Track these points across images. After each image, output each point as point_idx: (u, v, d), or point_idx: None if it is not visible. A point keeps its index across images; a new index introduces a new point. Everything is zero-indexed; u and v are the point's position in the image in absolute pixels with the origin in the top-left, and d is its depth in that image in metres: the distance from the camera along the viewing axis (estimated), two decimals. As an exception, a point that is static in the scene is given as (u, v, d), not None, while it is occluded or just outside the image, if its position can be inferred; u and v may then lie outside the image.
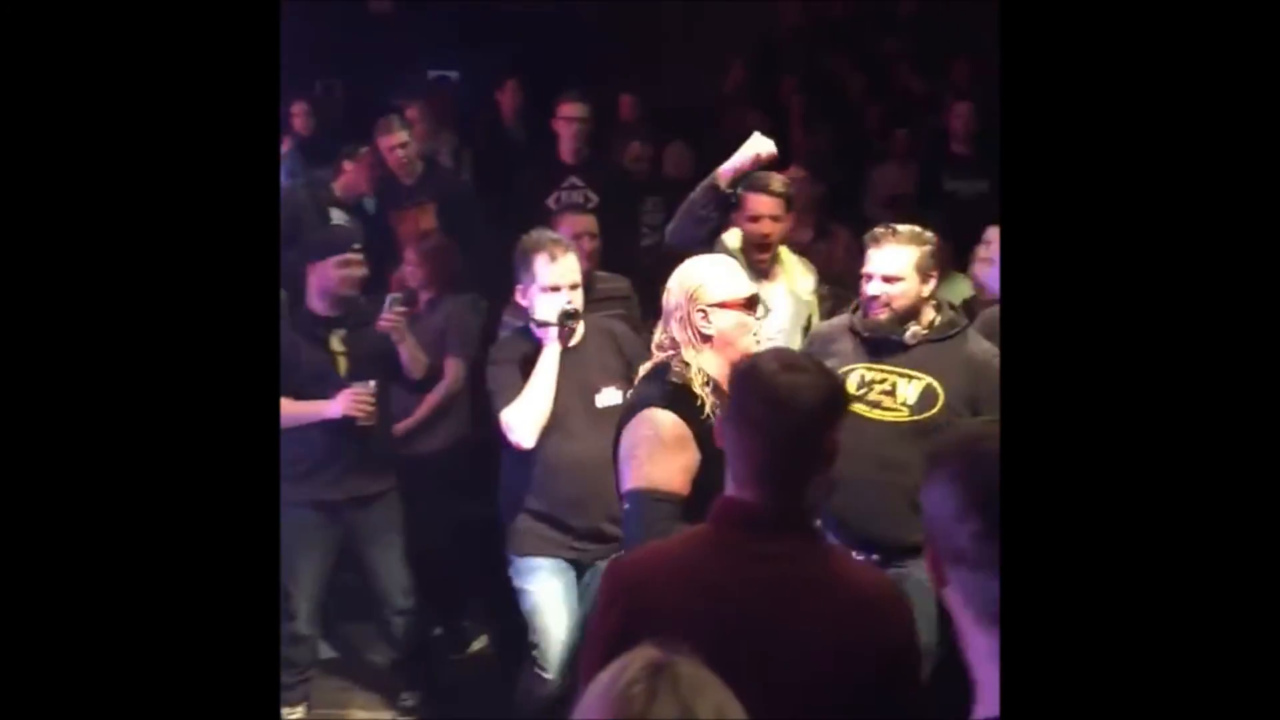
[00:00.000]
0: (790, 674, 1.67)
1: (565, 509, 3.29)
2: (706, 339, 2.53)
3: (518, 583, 3.38)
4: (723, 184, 3.42)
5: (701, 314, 2.53)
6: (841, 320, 3.27)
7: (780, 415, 1.75)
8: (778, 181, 3.78)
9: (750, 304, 2.59)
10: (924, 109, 6.21)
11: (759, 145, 3.44)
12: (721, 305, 2.54)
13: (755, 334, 2.59)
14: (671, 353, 2.56)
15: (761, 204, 3.72)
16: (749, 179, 3.66)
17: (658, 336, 2.63)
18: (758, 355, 2.05)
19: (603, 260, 4.13)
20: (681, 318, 2.55)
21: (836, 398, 1.82)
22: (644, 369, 2.66)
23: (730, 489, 1.81)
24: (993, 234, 3.90)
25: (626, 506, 2.38)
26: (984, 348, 3.06)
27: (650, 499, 2.30)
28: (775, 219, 3.72)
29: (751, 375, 1.82)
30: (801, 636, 1.69)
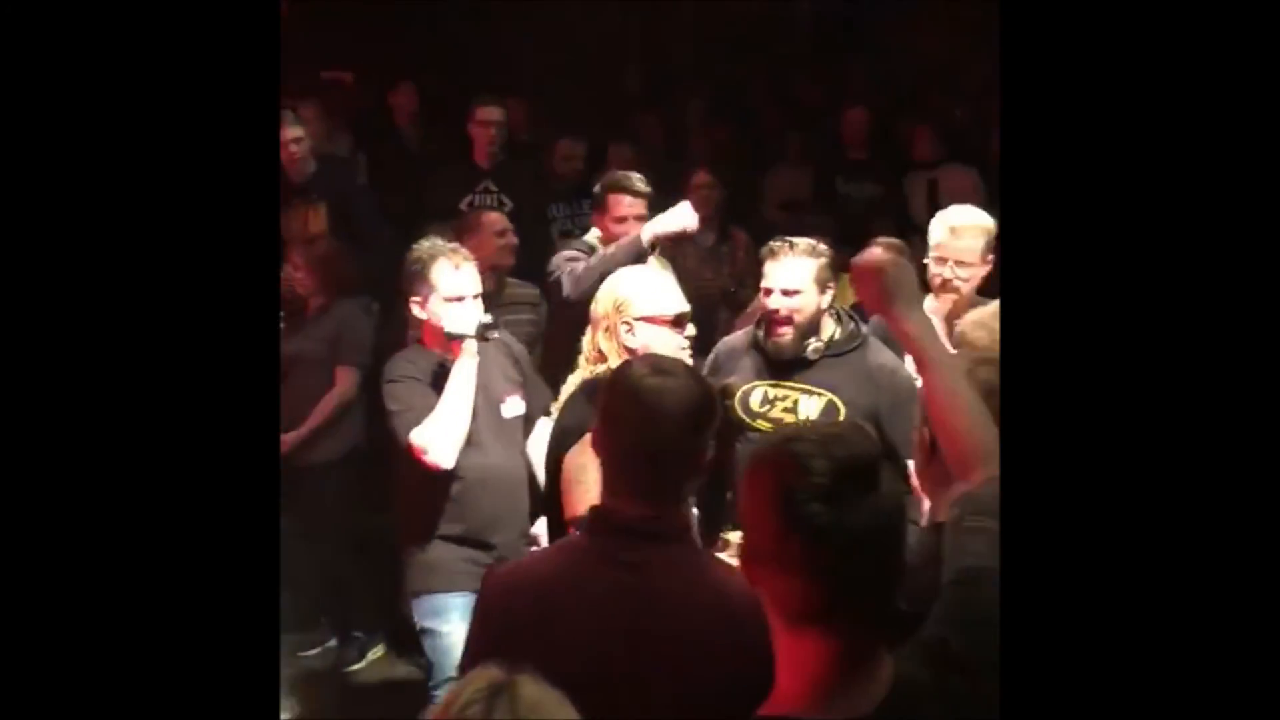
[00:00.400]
0: (654, 682, 1.64)
1: (484, 527, 3.09)
2: (631, 352, 2.50)
3: (427, 623, 3.11)
4: (645, 246, 3.40)
5: (627, 327, 2.53)
6: (743, 336, 3.26)
7: (646, 420, 1.70)
8: (639, 181, 3.75)
9: (678, 321, 2.57)
10: (819, 114, 6.27)
11: (686, 218, 3.43)
12: (648, 320, 2.54)
13: (684, 349, 2.57)
14: (600, 366, 2.53)
15: (623, 205, 3.69)
16: (611, 179, 3.64)
17: (585, 347, 2.61)
18: (628, 360, 2.02)
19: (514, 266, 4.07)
20: (608, 328, 2.55)
21: (704, 404, 1.77)
22: (571, 384, 2.60)
23: (603, 497, 1.78)
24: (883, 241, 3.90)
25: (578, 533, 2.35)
26: (886, 359, 3.07)
27: None
28: (639, 219, 3.67)
29: (620, 380, 1.79)
30: (664, 645, 1.66)
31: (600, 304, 2.59)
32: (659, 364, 1.81)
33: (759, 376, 3.09)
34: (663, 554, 1.72)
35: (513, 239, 4.04)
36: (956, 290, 3.23)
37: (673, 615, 1.68)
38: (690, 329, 2.64)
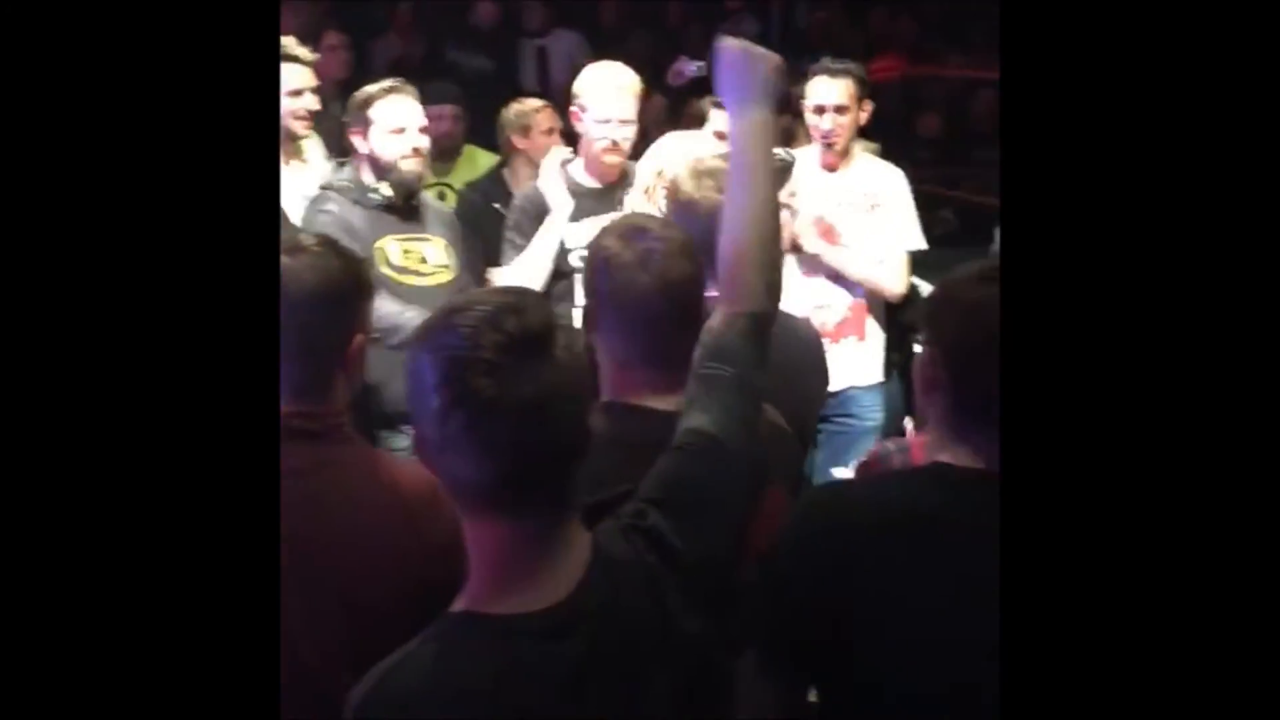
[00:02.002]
0: (346, 592, 1.53)
1: None
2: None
3: None
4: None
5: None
6: None
7: (288, 302, 1.49)
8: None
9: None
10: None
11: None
12: None
13: None
14: None
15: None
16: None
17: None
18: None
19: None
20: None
21: (334, 282, 1.60)
22: None
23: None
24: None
25: None
26: None
27: None
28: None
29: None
30: (342, 553, 1.54)
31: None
32: (297, 242, 1.64)
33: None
34: (322, 455, 1.58)
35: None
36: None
37: (345, 520, 1.55)
38: None
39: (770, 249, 1.42)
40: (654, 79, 5.43)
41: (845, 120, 3.33)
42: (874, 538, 1.36)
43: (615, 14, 6.63)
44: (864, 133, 3.54)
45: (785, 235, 2.99)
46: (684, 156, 2.39)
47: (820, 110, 3.33)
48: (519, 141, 3.80)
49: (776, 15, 5.55)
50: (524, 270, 2.95)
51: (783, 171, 3.00)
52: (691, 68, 5.16)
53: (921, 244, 3.41)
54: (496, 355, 1.11)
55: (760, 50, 1.49)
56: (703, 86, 3.97)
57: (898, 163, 3.54)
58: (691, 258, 1.62)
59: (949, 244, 3.98)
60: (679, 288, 1.59)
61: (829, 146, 3.35)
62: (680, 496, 1.27)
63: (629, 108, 3.05)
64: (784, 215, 2.98)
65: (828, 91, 3.32)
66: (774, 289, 1.41)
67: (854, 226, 3.35)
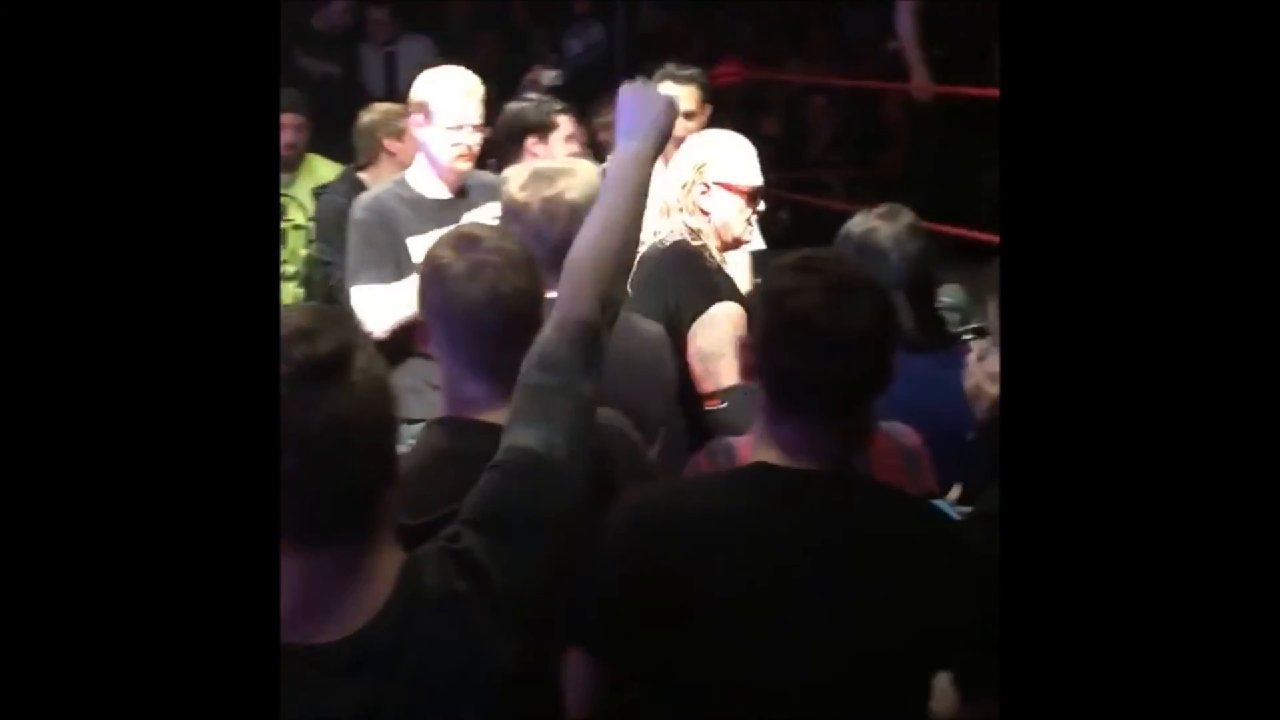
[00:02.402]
0: None
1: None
2: (703, 213, 2.58)
3: None
4: None
5: (703, 188, 2.57)
6: None
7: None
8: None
9: (753, 196, 2.61)
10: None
11: None
12: (724, 186, 2.57)
13: (749, 223, 2.64)
14: (669, 218, 2.60)
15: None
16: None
17: (664, 199, 2.64)
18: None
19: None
20: (685, 185, 2.60)
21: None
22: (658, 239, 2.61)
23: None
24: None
25: (725, 404, 2.34)
26: None
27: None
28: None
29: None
30: None
31: (684, 159, 2.64)
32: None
33: None
34: None
35: None
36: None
37: None
38: (761, 205, 2.70)
39: (613, 263, 1.40)
40: (503, 83, 5.48)
41: (692, 125, 3.41)
42: (695, 543, 1.36)
43: (461, 17, 6.64)
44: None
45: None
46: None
47: (688, 116, 3.39)
48: (391, 145, 3.72)
49: (621, 19, 5.65)
50: (391, 299, 2.83)
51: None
52: (549, 75, 5.24)
53: (760, 245, 3.53)
54: (284, 387, 1.08)
55: (655, 92, 1.57)
56: (556, 94, 4.04)
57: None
58: (526, 270, 1.61)
59: (787, 245, 4.12)
60: (510, 300, 1.57)
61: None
62: (496, 517, 1.21)
63: (478, 113, 3.06)
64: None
65: (684, 97, 3.37)
66: (609, 301, 1.38)
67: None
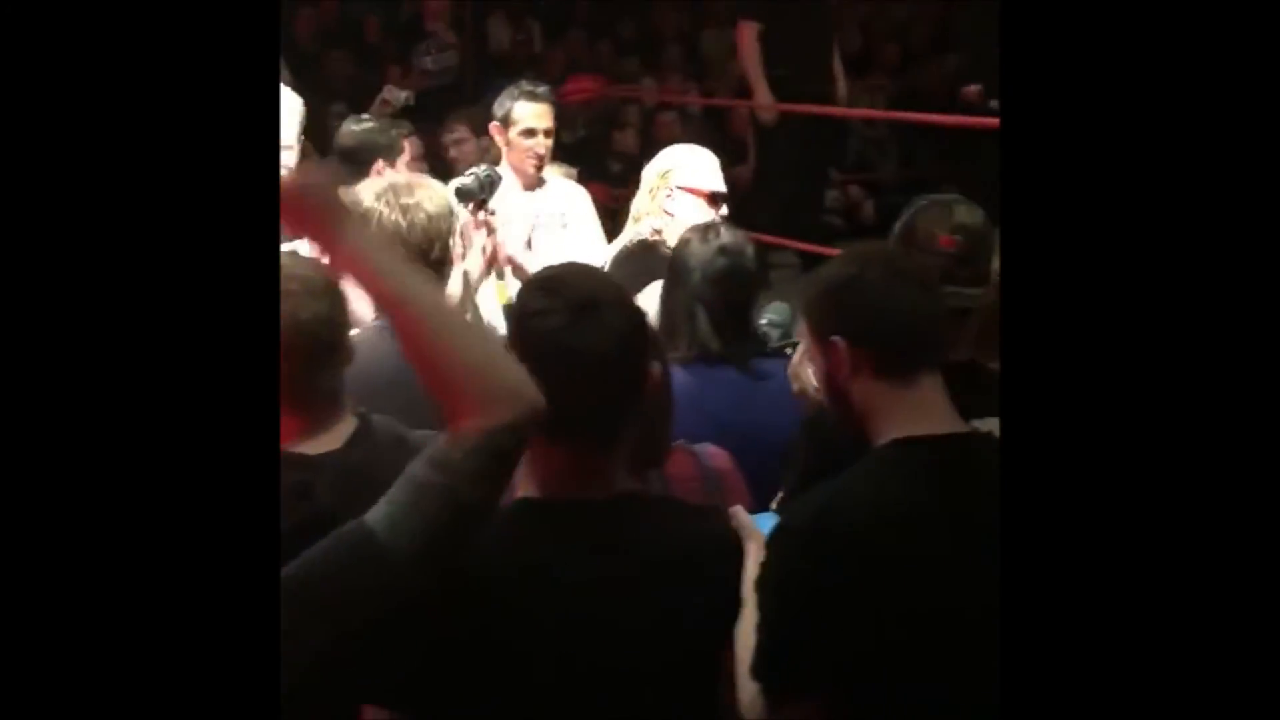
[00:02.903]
0: None
1: None
2: (669, 215, 2.87)
3: None
4: None
5: (668, 193, 2.89)
6: None
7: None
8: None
9: (714, 199, 2.89)
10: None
11: None
12: (687, 190, 2.88)
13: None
14: (638, 224, 2.94)
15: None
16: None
17: (633, 207, 2.99)
18: None
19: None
20: (652, 190, 2.92)
21: None
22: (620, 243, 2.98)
23: None
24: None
25: None
26: None
27: None
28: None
29: None
30: None
31: (650, 169, 2.97)
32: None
33: None
34: None
35: None
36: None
37: None
38: (724, 209, 2.93)
39: (470, 356, 1.22)
40: (352, 98, 5.44)
41: (549, 142, 3.48)
42: (473, 591, 1.29)
43: (310, 32, 6.57)
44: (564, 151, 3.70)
45: (487, 252, 3.14)
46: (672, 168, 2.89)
47: (531, 133, 3.43)
48: None
49: (469, 38, 5.66)
50: None
51: (489, 186, 3.13)
52: (401, 95, 5.23)
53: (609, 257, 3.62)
54: None
55: (296, 179, 1.38)
56: (407, 113, 4.05)
57: (593, 181, 3.72)
58: (329, 298, 1.59)
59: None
60: (308, 328, 1.55)
61: (537, 169, 3.47)
62: (307, 580, 1.19)
63: (294, 132, 3.10)
64: (482, 234, 3.14)
65: (537, 115, 3.43)
66: (496, 398, 1.20)
67: (549, 244, 3.52)
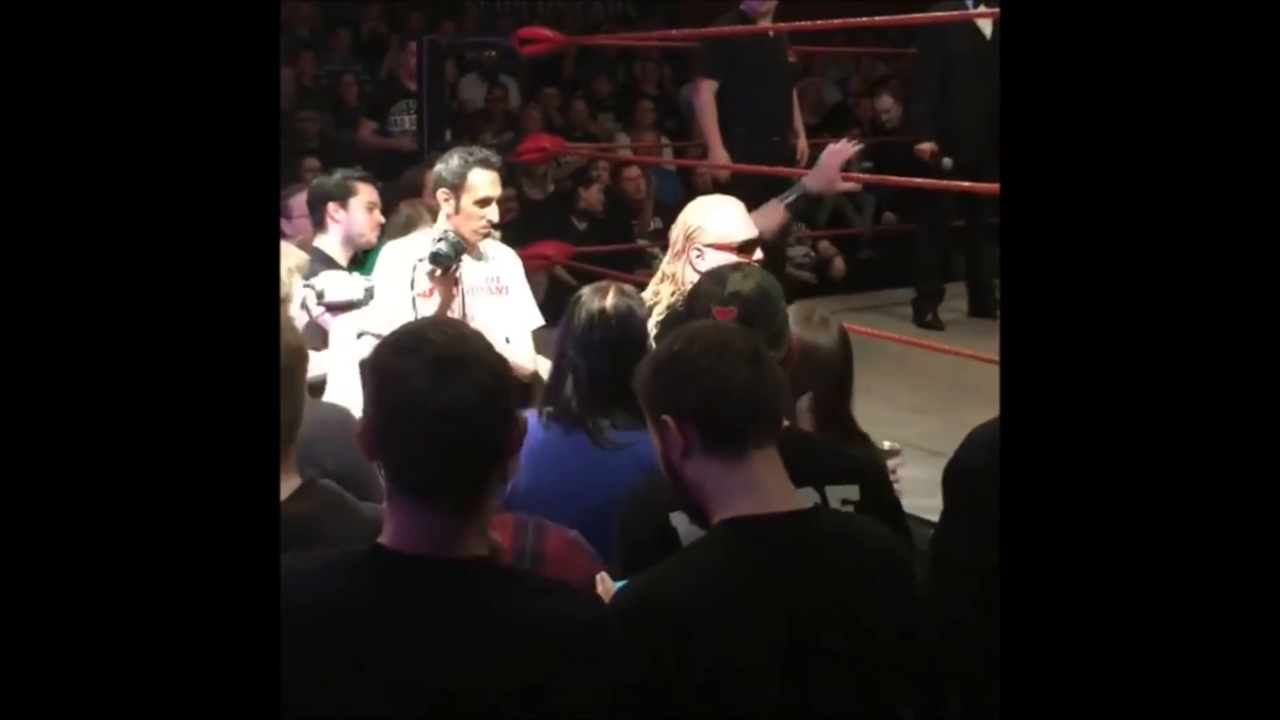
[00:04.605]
0: None
1: None
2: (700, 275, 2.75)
3: None
4: None
5: (698, 253, 2.73)
6: None
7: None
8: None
9: (745, 248, 2.73)
10: None
11: None
12: (715, 246, 2.71)
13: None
14: (665, 286, 2.76)
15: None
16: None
17: (663, 267, 2.83)
18: None
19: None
20: (678, 252, 2.77)
21: None
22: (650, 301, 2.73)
23: None
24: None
25: None
26: None
27: None
28: None
29: None
30: None
31: (676, 229, 2.83)
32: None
33: None
34: None
35: None
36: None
37: None
38: (758, 254, 2.81)
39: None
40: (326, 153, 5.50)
41: (497, 209, 3.45)
42: (313, 631, 1.27)
43: (285, 93, 6.65)
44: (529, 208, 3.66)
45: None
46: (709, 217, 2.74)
47: (486, 202, 3.39)
48: None
49: (425, 98, 5.66)
50: None
51: (460, 252, 3.14)
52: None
53: (541, 321, 3.61)
54: None
55: None
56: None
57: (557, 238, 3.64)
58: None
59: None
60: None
61: (486, 236, 3.45)
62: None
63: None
64: (435, 300, 3.14)
65: (492, 183, 3.40)
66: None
67: (486, 309, 3.50)
